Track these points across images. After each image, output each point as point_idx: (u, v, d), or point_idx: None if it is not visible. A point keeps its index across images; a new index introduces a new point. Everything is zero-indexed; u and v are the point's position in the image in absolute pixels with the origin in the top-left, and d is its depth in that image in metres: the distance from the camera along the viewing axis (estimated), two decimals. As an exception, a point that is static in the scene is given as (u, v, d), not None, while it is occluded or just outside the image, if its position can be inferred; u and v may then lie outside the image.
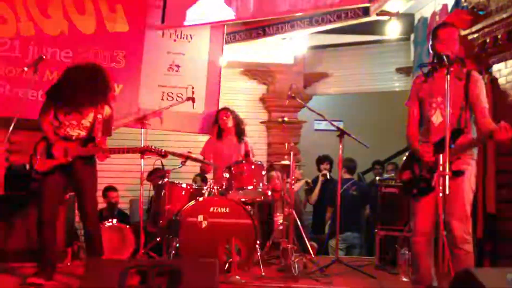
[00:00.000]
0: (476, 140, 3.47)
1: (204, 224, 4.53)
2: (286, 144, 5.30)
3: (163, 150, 4.32)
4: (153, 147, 4.29)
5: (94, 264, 3.34)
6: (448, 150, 3.14)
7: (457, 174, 3.40)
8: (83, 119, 4.10)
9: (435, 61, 3.56)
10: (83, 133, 4.11)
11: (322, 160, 7.14)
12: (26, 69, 4.83)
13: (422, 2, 6.82)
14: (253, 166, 4.93)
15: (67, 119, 4.08)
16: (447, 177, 3.11)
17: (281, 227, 5.13)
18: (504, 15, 4.65)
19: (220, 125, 5.65)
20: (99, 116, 4.12)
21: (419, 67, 3.69)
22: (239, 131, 5.65)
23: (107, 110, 4.19)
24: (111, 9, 6.13)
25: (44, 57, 4.71)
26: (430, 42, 3.63)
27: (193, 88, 5.74)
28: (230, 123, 5.63)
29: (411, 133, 3.74)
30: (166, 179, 4.86)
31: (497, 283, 2.78)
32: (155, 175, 5.50)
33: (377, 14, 6.19)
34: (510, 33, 4.64)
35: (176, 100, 5.96)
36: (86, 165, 4.10)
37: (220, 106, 6.33)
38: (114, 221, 5.24)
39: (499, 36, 4.77)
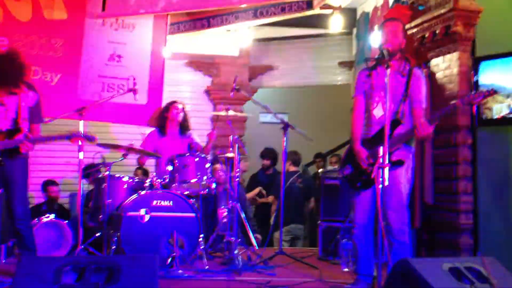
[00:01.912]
0: (410, 132, 3.55)
1: (147, 218, 4.44)
2: (231, 137, 5.26)
3: (91, 136, 4.11)
4: (81, 132, 4.08)
5: (28, 261, 3.19)
6: (388, 141, 3.21)
7: (397, 163, 3.48)
8: (6, 109, 3.89)
9: (380, 55, 3.60)
10: (8, 124, 3.91)
11: (263, 155, 7.15)
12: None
13: (364, -3, 6.94)
14: (196, 159, 4.87)
15: None
16: (386, 169, 3.16)
17: (225, 220, 5.10)
18: (442, 11, 4.78)
19: (169, 118, 5.45)
20: (23, 104, 3.92)
21: (364, 61, 3.73)
22: (184, 126, 5.53)
23: (32, 96, 3.99)
24: (48, -5, 5.88)
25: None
26: (376, 37, 3.69)
27: (134, 79, 5.59)
28: (181, 117, 5.47)
29: (355, 129, 3.77)
30: (106, 173, 4.71)
31: (434, 272, 2.85)
32: (90, 170, 5.34)
33: (320, 8, 6.24)
34: (448, 28, 4.77)
35: (118, 91, 5.80)
36: (15, 159, 3.89)
37: (164, 98, 6.22)
38: (52, 216, 5.05)
39: (437, 31, 4.90)
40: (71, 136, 4.01)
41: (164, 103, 6.11)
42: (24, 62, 3.96)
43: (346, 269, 4.46)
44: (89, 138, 4.09)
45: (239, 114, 7.01)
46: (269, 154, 7.10)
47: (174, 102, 5.59)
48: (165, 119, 5.49)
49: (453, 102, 3.55)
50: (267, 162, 7.11)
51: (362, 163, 3.62)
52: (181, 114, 5.48)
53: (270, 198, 6.99)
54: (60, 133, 3.98)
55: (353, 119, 3.79)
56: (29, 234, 4.03)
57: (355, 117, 3.79)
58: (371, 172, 3.55)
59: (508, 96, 4.50)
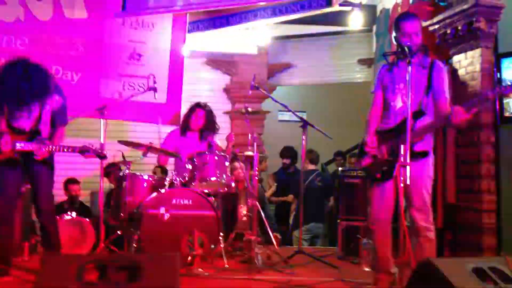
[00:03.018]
0: (435, 122, 3.50)
1: (166, 216, 4.45)
2: (250, 135, 5.26)
3: (103, 152, 4.13)
4: (93, 147, 4.05)
5: (51, 259, 3.22)
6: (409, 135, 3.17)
7: (422, 154, 3.44)
8: (30, 110, 3.93)
9: (399, 50, 3.56)
10: (32, 126, 3.95)
11: (283, 154, 7.14)
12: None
13: (384, -7, 6.87)
14: (216, 157, 4.87)
15: (18, 112, 3.91)
16: (407, 168, 3.12)
17: (244, 219, 5.10)
18: (465, 6, 4.72)
19: (190, 121, 5.42)
20: (47, 107, 3.96)
21: (383, 56, 3.69)
22: (206, 129, 5.41)
23: (57, 99, 4.03)
24: (69, -5, 5.94)
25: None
26: (394, 33, 3.64)
27: (154, 77, 5.62)
28: (201, 123, 5.39)
29: (370, 123, 3.75)
30: (126, 171, 4.74)
31: (457, 272, 2.81)
32: (111, 168, 5.38)
33: (340, 5, 6.20)
34: (470, 25, 4.71)
35: (138, 89, 5.84)
36: (40, 160, 3.94)
37: (183, 97, 6.24)
38: (74, 214, 5.11)
39: (459, 27, 4.83)
40: (84, 151, 4.03)
41: (183, 101, 6.15)
42: (47, 69, 4.01)
43: (366, 269, 4.43)
44: (100, 156, 4.11)
45: (257, 111, 7.04)
46: (288, 152, 7.09)
47: (197, 106, 5.46)
48: (187, 121, 5.45)
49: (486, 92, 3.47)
50: (287, 161, 7.10)
51: (369, 149, 3.59)
52: (201, 121, 5.38)
53: (290, 197, 6.97)
54: (72, 146, 4.00)
55: (370, 113, 3.77)
56: (54, 231, 4.08)
57: (372, 111, 3.76)
58: (391, 162, 3.51)
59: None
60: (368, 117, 3.78)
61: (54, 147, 3.93)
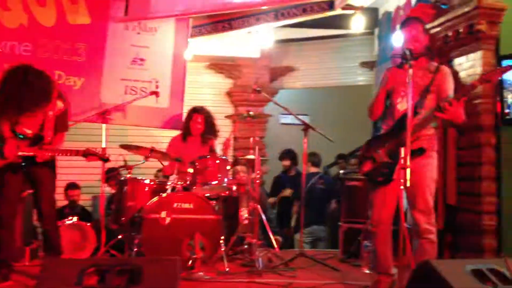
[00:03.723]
0: (428, 115, 3.50)
1: (167, 220, 4.47)
2: (251, 138, 5.27)
3: (106, 156, 4.17)
4: (96, 150, 4.10)
5: (51, 264, 3.25)
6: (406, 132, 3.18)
7: (418, 152, 3.45)
8: (34, 115, 3.95)
9: (403, 53, 3.58)
10: (34, 131, 3.98)
11: (282, 157, 7.14)
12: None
13: (386, -4, 6.88)
14: (217, 161, 4.88)
15: (22, 118, 3.94)
16: (408, 170, 3.13)
17: (246, 222, 5.11)
18: (466, 9, 4.71)
19: (190, 127, 5.44)
20: (50, 112, 3.99)
21: (391, 58, 3.71)
22: (207, 134, 5.43)
23: (59, 105, 4.05)
24: (72, 1, 5.99)
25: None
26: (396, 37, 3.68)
27: (157, 82, 5.64)
28: (200, 127, 5.42)
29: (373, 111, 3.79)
30: (128, 175, 4.76)
31: (456, 274, 2.81)
32: (112, 173, 5.40)
33: (342, 8, 6.21)
34: (471, 27, 4.70)
35: (140, 94, 5.87)
36: (43, 163, 3.98)
37: (186, 101, 6.25)
38: (75, 218, 5.13)
39: (460, 30, 4.82)
40: (87, 154, 4.06)
41: (185, 105, 6.16)
42: (49, 76, 4.03)
43: (367, 271, 4.43)
44: (104, 159, 4.14)
45: (259, 115, 7.04)
46: (287, 154, 7.09)
47: (195, 110, 5.47)
48: (187, 128, 5.47)
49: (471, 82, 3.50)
50: (286, 163, 7.11)
51: None
52: (201, 125, 5.40)
53: (288, 191, 6.96)
54: (75, 150, 4.03)
55: (372, 104, 3.79)
56: (56, 236, 4.11)
57: (374, 102, 3.78)
58: (391, 164, 3.51)
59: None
60: (370, 108, 3.82)
61: (57, 151, 3.96)
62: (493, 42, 4.72)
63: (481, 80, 3.30)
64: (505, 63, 4.52)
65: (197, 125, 5.39)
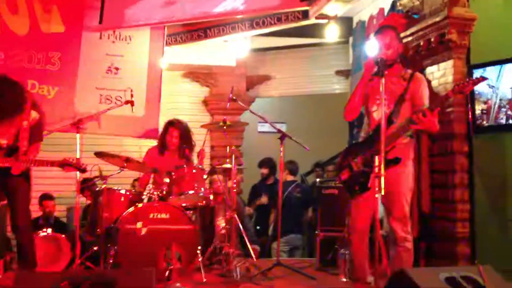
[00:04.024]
0: (403, 125, 3.54)
1: (144, 231, 4.42)
2: (228, 147, 5.27)
3: (84, 167, 4.14)
4: (72, 160, 4.07)
5: (25, 277, 3.20)
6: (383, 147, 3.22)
7: (394, 162, 3.49)
8: (8, 127, 3.90)
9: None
10: (9, 142, 3.92)
11: (261, 165, 7.16)
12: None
13: (360, 6, 6.96)
14: (194, 170, 4.87)
15: None
16: (382, 178, 3.16)
17: (223, 231, 5.09)
18: (437, 19, 4.80)
19: (166, 141, 5.39)
20: (25, 122, 3.93)
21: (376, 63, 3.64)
22: (183, 148, 5.32)
23: (33, 115, 4.00)
24: (45, 10, 5.93)
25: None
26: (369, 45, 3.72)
27: (132, 91, 5.60)
28: (176, 141, 5.37)
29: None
30: (103, 186, 4.70)
31: (430, 281, 2.85)
32: (87, 183, 5.34)
33: (316, 18, 6.26)
34: (442, 36, 4.79)
35: (115, 103, 5.82)
36: (18, 174, 3.92)
37: (162, 109, 6.22)
38: (49, 230, 5.05)
39: (432, 39, 4.91)
40: (64, 165, 4.02)
41: (161, 114, 6.14)
42: (22, 86, 3.98)
43: (344, 279, 4.45)
44: (81, 169, 4.10)
45: (236, 123, 7.00)
46: (266, 162, 7.11)
47: (171, 124, 5.42)
48: (163, 141, 5.43)
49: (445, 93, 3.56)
50: (265, 171, 7.12)
51: None
52: (176, 139, 5.35)
53: (264, 199, 6.98)
54: (52, 160, 3.99)
55: (348, 100, 3.83)
56: (30, 248, 4.05)
57: (350, 97, 3.82)
58: (368, 173, 3.55)
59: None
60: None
61: (32, 162, 3.91)
62: (464, 51, 4.82)
63: (454, 92, 3.35)
64: (476, 72, 4.62)
65: (172, 139, 5.36)
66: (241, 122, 8.24)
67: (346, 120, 3.96)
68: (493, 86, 4.48)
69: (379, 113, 3.62)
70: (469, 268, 3.11)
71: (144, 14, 6.09)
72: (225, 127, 5.21)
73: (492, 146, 4.62)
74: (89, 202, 5.53)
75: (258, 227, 6.90)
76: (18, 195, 3.97)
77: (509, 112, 4.52)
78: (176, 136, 5.36)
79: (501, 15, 4.78)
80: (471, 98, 4.71)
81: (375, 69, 3.50)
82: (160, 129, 5.70)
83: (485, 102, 4.62)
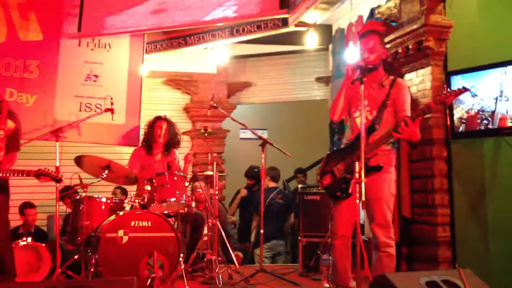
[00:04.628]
0: (384, 135, 3.58)
1: (125, 239, 4.39)
2: (209, 154, 5.27)
3: (59, 175, 4.10)
4: (48, 170, 4.02)
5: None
6: (364, 148, 3.25)
7: (376, 169, 3.52)
8: None
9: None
10: None
11: (248, 175, 7.18)
12: None
13: (338, 14, 7.04)
14: (175, 178, 4.85)
15: None
16: (363, 184, 3.19)
17: (205, 238, 5.08)
18: (414, 26, 4.87)
19: (154, 133, 5.32)
20: (1, 132, 3.89)
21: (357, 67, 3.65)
22: (170, 144, 5.38)
23: (10, 124, 3.96)
24: (23, 17, 5.88)
25: None
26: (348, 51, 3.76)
27: (112, 98, 5.58)
28: (165, 133, 5.33)
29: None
30: (83, 194, 4.66)
31: (411, 286, 2.87)
32: (68, 191, 5.29)
33: (296, 25, 6.31)
34: (420, 44, 4.86)
35: (95, 111, 5.78)
36: None
37: (143, 117, 6.19)
38: (29, 239, 4.97)
39: (410, 47, 4.98)
40: (39, 175, 3.98)
41: (142, 122, 6.11)
42: None
43: (326, 285, 4.47)
44: (56, 179, 4.06)
45: (217, 131, 6.99)
46: (253, 174, 7.10)
47: (158, 119, 5.40)
48: (151, 137, 5.37)
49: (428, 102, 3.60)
50: (251, 182, 7.13)
51: None
52: (164, 133, 5.33)
53: (243, 192, 6.99)
54: (27, 170, 3.94)
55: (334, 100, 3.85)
56: (9, 258, 3.98)
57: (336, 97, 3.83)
58: (350, 180, 3.57)
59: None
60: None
61: (7, 172, 3.85)
62: (441, 58, 4.89)
63: (436, 102, 3.39)
64: (453, 78, 4.70)
65: (161, 131, 5.31)
66: (222, 129, 8.26)
67: (333, 121, 3.97)
68: (476, 95, 4.54)
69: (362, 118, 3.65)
70: (449, 272, 3.14)
71: (123, 22, 6.07)
72: (206, 134, 5.22)
73: (470, 151, 4.69)
74: (69, 210, 5.46)
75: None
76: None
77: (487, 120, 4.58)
78: (165, 128, 5.32)
79: (477, 23, 4.87)
80: (449, 104, 4.77)
81: (357, 74, 3.53)
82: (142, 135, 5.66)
83: (467, 111, 4.66)
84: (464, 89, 3.35)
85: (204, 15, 5.97)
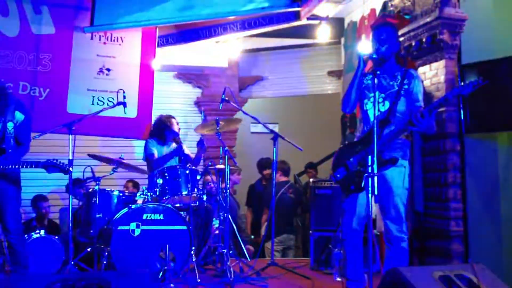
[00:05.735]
0: (401, 128, 3.56)
1: (137, 232, 4.42)
2: (221, 148, 5.27)
3: (67, 166, 4.12)
4: (57, 162, 4.05)
5: (18, 279, 3.18)
6: (377, 141, 3.22)
7: (390, 162, 3.50)
8: None
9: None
10: None
11: (264, 166, 7.15)
12: None
13: (351, 7, 6.98)
14: (187, 171, 4.86)
15: None
16: (375, 178, 3.17)
17: (216, 232, 5.09)
18: (428, 19, 4.82)
19: (172, 131, 5.57)
20: (9, 124, 3.91)
21: (369, 58, 3.62)
22: (177, 140, 5.57)
23: (18, 116, 3.99)
24: (36, 11, 5.89)
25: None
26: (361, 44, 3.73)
27: (124, 92, 5.58)
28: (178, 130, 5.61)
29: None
30: (96, 187, 4.69)
31: (424, 280, 2.87)
32: (80, 184, 5.32)
33: (308, 18, 6.28)
34: (434, 37, 4.81)
35: (107, 104, 5.80)
36: (5, 178, 3.89)
37: (154, 110, 6.22)
38: (42, 232, 5.02)
39: (423, 40, 4.94)
40: (47, 165, 4.00)
41: (153, 115, 6.13)
42: (5, 87, 3.97)
43: (338, 279, 4.46)
44: (64, 169, 4.08)
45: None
46: (266, 162, 7.07)
47: (171, 116, 5.67)
48: (164, 130, 5.55)
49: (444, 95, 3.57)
50: (268, 172, 7.07)
51: None
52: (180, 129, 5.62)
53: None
54: (36, 162, 3.97)
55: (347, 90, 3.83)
56: (22, 250, 4.03)
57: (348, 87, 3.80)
58: (363, 174, 3.55)
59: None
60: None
61: (16, 164, 3.88)
62: (455, 51, 4.85)
63: (453, 94, 3.37)
64: (467, 72, 4.65)
65: (177, 128, 5.59)
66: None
67: (345, 113, 3.96)
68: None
69: (374, 110, 3.63)
70: (462, 266, 3.14)
71: (135, 16, 6.07)
72: (218, 128, 5.22)
73: (483, 145, 4.64)
74: (82, 203, 5.50)
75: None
76: (6, 199, 3.95)
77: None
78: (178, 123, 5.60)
79: (491, 16, 4.82)
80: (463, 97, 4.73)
81: (369, 65, 3.51)
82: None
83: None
84: (482, 82, 3.31)
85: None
